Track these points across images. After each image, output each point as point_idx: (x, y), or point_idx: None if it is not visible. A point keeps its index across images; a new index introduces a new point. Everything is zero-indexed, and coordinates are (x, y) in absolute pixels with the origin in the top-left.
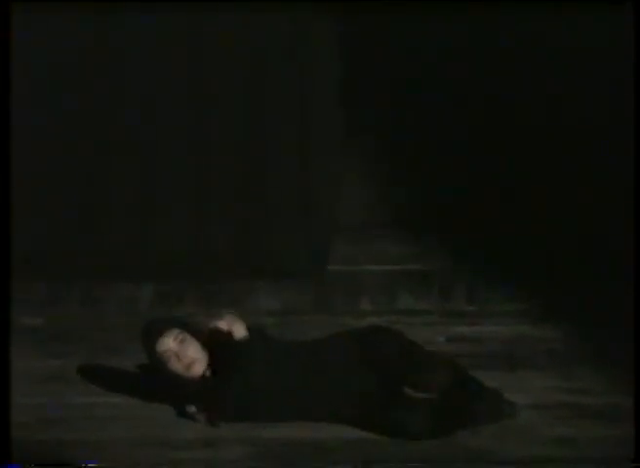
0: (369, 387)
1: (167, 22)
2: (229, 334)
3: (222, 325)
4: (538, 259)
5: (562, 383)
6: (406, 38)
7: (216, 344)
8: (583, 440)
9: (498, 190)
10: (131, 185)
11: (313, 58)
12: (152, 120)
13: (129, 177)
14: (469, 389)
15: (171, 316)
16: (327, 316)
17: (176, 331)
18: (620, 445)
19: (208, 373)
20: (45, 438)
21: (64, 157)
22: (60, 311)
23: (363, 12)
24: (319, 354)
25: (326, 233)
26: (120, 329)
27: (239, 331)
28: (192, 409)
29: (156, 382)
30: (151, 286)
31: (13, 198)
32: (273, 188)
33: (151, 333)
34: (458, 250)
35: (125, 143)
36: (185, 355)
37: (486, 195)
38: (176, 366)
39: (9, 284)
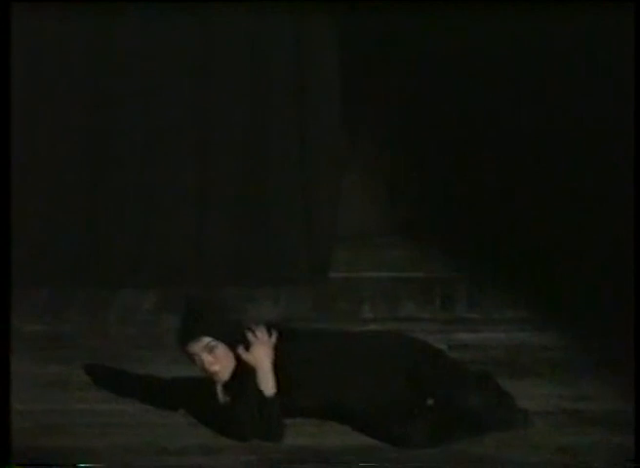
0: (375, 394)
1: (167, 23)
2: (253, 370)
3: (248, 358)
4: (539, 267)
5: (563, 390)
6: (406, 40)
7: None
8: (585, 446)
9: (499, 197)
10: (132, 192)
11: (314, 61)
12: (153, 126)
13: (130, 183)
14: (483, 397)
15: (215, 303)
16: (328, 323)
17: (208, 340)
18: (621, 451)
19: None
20: (44, 444)
21: (65, 160)
22: (61, 317)
23: (364, 12)
24: (327, 356)
25: (327, 240)
26: (122, 335)
27: (263, 373)
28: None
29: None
30: (152, 293)
31: (13, 204)
32: (274, 195)
33: (188, 329)
34: (459, 257)
35: (127, 148)
36: (212, 365)
37: (487, 202)
38: (200, 368)
39: (9, 290)
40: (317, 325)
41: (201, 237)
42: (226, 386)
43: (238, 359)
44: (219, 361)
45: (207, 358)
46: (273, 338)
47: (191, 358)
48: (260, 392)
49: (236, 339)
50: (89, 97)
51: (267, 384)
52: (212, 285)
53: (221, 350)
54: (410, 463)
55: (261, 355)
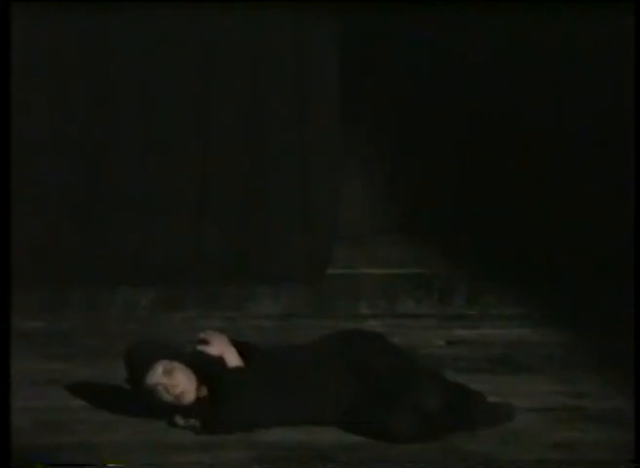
0: (356, 391)
1: (167, 22)
2: (221, 360)
3: (212, 351)
4: (538, 263)
5: (562, 387)
6: (406, 39)
7: (206, 369)
8: (584, 443)
9: (498, 194)
10: (131, 190)
11: (313, 61)
12: (153, 122)
13: (129, 182)
14: (460, 392)
15: (153, 340)
16: (326, 320)
17: (163, 363)
18: (620, 448)
19: (204, 393)
20: (44, 441)
21: (64, 160)
22: (61, 315)
23: (363, 11)
24: (305, 359)
25: (326, 237)
26: (121, 332)
27: (231, 358)
28: (182, 421)
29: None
30: (152, 290)
31: (13, 203)
32: (274, 193)
33: (137, 366)
34: (458, 253)
35: (125, 146)
36: (175, 387)
37: (486, 199)
38: (166, 397)
39: (9, 287)
40: (316, 322)
41: (200, 234)
42: (189, 410)
43: (199, 380)
44: (180, 382)
45: (168, 381)
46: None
47: (155, 391)
48: (236, 369)
49: (190, 359)
50: (88, 97)
51: (237, 363)
52: (211, 282)
53: (180, 371)
54: (406, 460)
55: (221, 343)
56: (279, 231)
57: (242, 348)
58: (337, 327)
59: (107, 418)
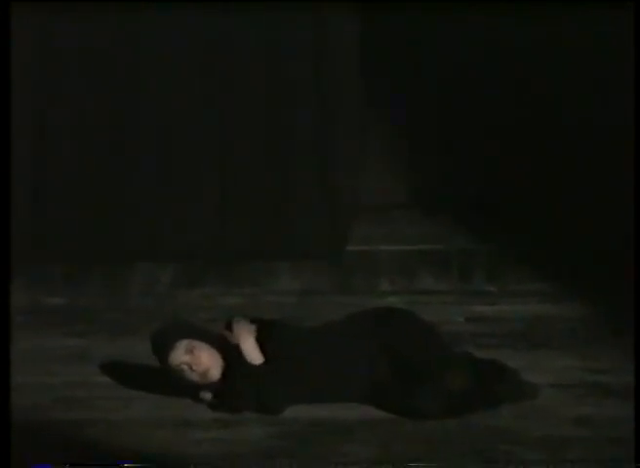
0: (386, 369)
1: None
2: (238, 349)
3: (231, 339)
4: (558, 239)
5: (581, 362)
6: (427, 14)
7: (225, 352)
8: (603, 419)
9: (517, 171)
10: (152, 166)
11: (333, 31)
12: (173, 103)
13: (149, 157)
14: (489, 370)
15: (177, 321)
16: (346, 296)
17: (185, 342)
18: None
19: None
20: (63, 417)
21: (85, 142)
22: (81, 292)
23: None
24: (335, 336)
25: (345, 214)
26: (140, 309)
27: (248, 350)
28: (207, 395)
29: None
30: (170, 267)
31: (34, 182)
32: (293, 171)
33: (161, 347)
34: (477, 230)
35: (145, 125)
36: (199, 364)
37: (504, 175)
38: (191, 376)
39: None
40: (335, 298)
41: (220, 212)
42: (213, 387)
43: (225, 358)
44: (202, 359)
45: (191, 359)
46: (253, 325)
47: (180, 371)
48: (249, 365)
49: (217, 339)
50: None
51: (254, 356)
52: (230, 259)
53: (202, 349)
54: (426, 435)
55: (243, 331)
56: (298, 209)
57: (269, 329)
58: (356, 303)
59: (127, 395)
